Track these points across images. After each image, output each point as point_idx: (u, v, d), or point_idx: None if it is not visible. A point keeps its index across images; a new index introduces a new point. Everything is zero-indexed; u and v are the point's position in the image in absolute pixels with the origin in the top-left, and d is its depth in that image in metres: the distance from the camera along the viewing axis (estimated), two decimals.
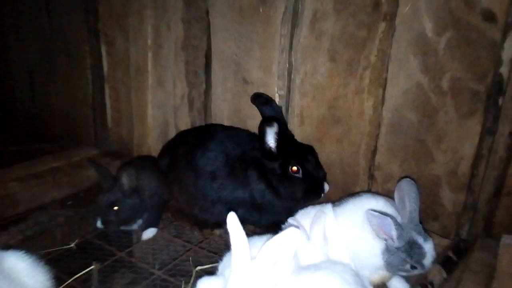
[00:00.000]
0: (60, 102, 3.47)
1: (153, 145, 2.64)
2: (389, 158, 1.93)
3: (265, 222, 2.09)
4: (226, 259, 1.45)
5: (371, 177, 2.01)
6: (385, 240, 1.46)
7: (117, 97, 3.00)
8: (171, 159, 2.25)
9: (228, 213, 2.16)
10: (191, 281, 1.77)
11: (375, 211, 1.43)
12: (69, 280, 1.79)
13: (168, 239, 2.14)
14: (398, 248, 1.44)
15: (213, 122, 2.53)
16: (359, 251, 1.52)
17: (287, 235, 1.15)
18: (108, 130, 3.10)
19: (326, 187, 1.93)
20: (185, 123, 2.68)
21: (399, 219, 1.46)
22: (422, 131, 1.81)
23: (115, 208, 1.99)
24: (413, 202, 1.44)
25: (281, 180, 1.95)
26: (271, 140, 1.92)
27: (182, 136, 2.32)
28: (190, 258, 1.93)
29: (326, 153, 2.09)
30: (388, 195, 1.81)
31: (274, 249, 1.16)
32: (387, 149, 1.93)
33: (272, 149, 1.94)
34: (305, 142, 2.07)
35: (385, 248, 1.47)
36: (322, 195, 1.93)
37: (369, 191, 1.92)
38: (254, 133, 2.22)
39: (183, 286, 1.75)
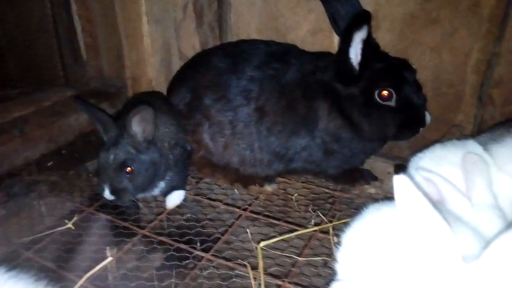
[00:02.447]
0: (7, 33, 2.60)
1: (154, 77, 1.94)
2: None
3: (334, 171, 1.54)
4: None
5: (482, 98, 1.45)
6: None
7: (90, 17, 2.21)
8: (193, 93, 1.59)
9: (283, 163, 1.53)
10: (260, 264, 1.23)
11: None
12: (79, 281, 1.19)
13: (203, 204, 1.55)
14: None
15: (235, 40, 1.84)
16: None
17: None
18: (83, 64, 2.34)
19: (428, 118, 1.37)
20: (191, 45, 1.98)
21: None
22: None
23: (128, 169, 1.36)
24: None
25: (365, 111, 1.37)
26: (356, 52, 1.29)
27: (203, 60, 1.64)
28: (248, 230, 1.37)
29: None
30: None
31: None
32: None
33: (354, 67, 1.33)
34: None
35: None
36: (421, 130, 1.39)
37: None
38: (304, 51, 1.58)
39: (251, 274, 1.20)
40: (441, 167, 1.05)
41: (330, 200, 1.53)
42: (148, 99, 1.59)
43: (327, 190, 1.58)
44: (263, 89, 1.46)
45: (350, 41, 1.25)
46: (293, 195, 1.56)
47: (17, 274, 0.83)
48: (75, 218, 1.47)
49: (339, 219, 1.39)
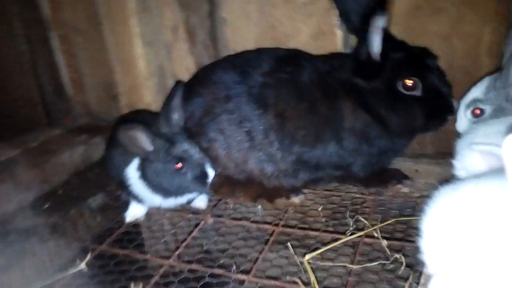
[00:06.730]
0: None
1: (152, 102, 1.83)
2: None
3: (364, 174, 1.46)
4: None
5: None
6: None
7: (73, 51, 2.11)
8: (203, 110, 1.49)
9: (309, 171, 1.41)
10: (312, 278, 1.11)
11: None
12: None
13: (229, 224, 1.43)
14: None
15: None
16: None
17: None
18: (68, 101, 2.21)
19: (456, 106, 1.34)
20: (185, 67, 1.90)
21: None
22: None
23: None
24: None
25: (391, 105, 1.32)
26: (375, 43, 1.26)
27: (208, 74, 1.55)
28: (289, 245, 1.26)
29: None
30: None
31: None
32: None
33: (375, 59, 1.29)
34: None
35: None
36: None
37: None
38: (312, 54, 1.54)
39: None
40: (497, 140, 1.00)
41: (365, 204, 1.44)
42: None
43: (358, 195, 1.49)
44: (280, 94, 1.40)
45: (371, 28, 1.21)
46: (324, 204, 1.47)
47: None
48: (87, 258, 1.31)
49: (382, 222, 1.31)
